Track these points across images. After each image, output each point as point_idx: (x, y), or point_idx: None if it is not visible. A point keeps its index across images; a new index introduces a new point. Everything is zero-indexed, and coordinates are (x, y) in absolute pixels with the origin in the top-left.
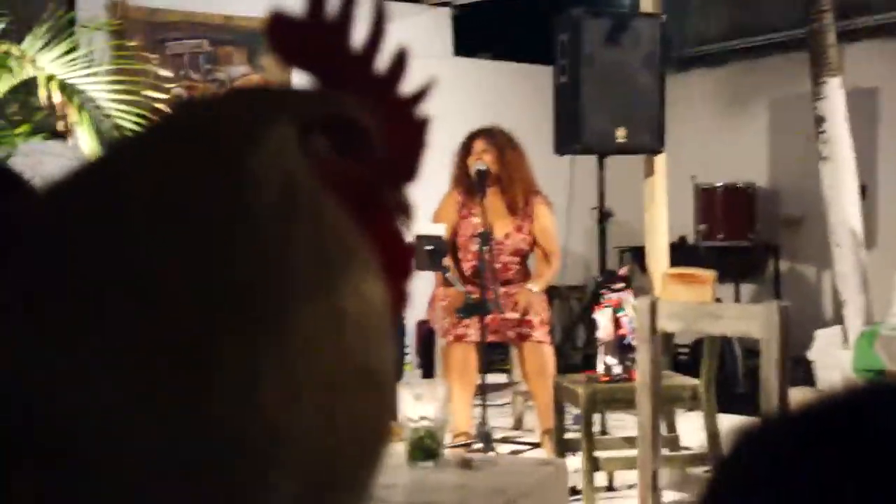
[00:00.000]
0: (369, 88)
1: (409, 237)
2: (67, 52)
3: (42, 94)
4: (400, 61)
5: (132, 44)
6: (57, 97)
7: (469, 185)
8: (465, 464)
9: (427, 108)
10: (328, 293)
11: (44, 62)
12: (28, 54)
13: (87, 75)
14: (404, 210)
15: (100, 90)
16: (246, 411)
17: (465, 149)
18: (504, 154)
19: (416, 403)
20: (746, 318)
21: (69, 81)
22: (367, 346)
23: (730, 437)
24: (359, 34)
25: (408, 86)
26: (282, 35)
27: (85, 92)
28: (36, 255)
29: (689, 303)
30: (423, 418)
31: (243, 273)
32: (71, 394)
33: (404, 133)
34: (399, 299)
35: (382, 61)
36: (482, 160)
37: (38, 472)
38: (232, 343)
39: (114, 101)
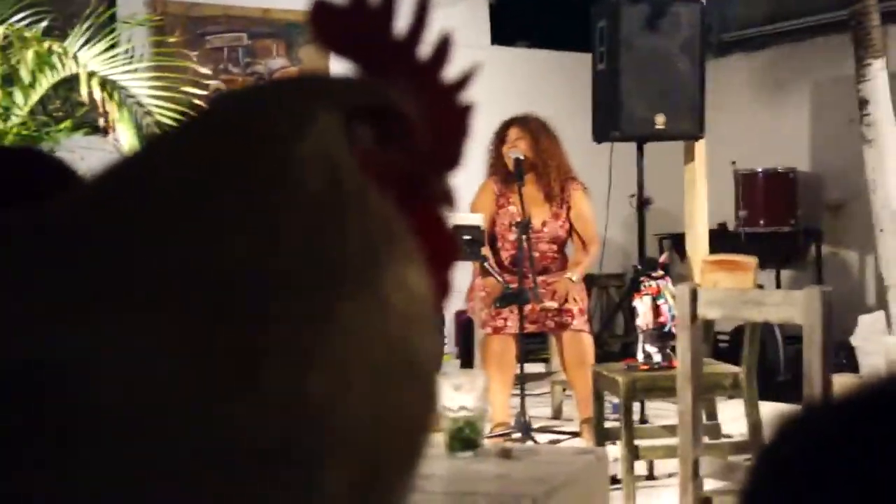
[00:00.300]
0: (412, 76)
1: (451, 226)
2: (108, 49)
3: (83, 90)
4: (443, 48)
5: (172, 39)
6: (98, 93)
7: (505, 174)
8: (505, 453)
9: (469, 94)
10: (374, 283)
11: (85, 59)
12: (70, 51)
13: (128, 72)
14: (447, 198)
15: (140, 86)
16: (294, 402)
17: (500, 137)
18: (539, 141)
19: (455, 394)
20: (788, 304)
21: (110, 78)
22: (412, 337)
23: (772, 425)
24: (402, 21)
25: (450, 73)
26: (324, 23)
27: (125, 88)
28: (83, 247)
29: (730, 289)
30: (462, 408)
31: (290, 262)
32: (115, 378)
33: (447, 120)
34: (442, 289)
35: (425, 48)
36: (517, 148)
37: (74, 447)
38: (280, 333)
39: (154, 97)
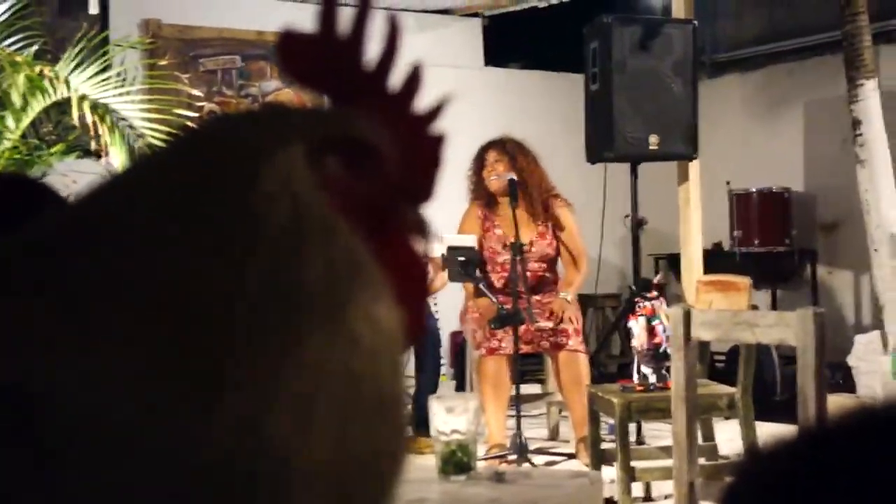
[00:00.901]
0: (383, 106)
1: (425, 257)
2: (100, 72)
3: (75, 114)
4: (414, 78)
5: (164, 62)
6: (90, 117)
7: (487, 197)
8: (498, 477)
9: (442, 124)
10: (339, 317)
11: (77, 82)
12: (62, 75)
13: (120, 94)
14: (420, 229)
15: (132, 109)
16: (254, 440)
17: (479, 162)
18: (516, 161)
19: (447, 416)
20: (782, 325)
21: (102, 101)
22: (378, 371)
23: (737, 468)
24: (372, 50)
25: (423, 102)
26: (293, 53)
27: (117, 111)
28: (51, 265)
29: (723, 311)
30: (454, 432)
31: (253, 296)
32: (77, 399)
33: (419, 151)
34: (415, 321)
35: (397, 78)
36: (496, 171)
37: (38, 473)
38: (241, 367)
39: (146, 119)
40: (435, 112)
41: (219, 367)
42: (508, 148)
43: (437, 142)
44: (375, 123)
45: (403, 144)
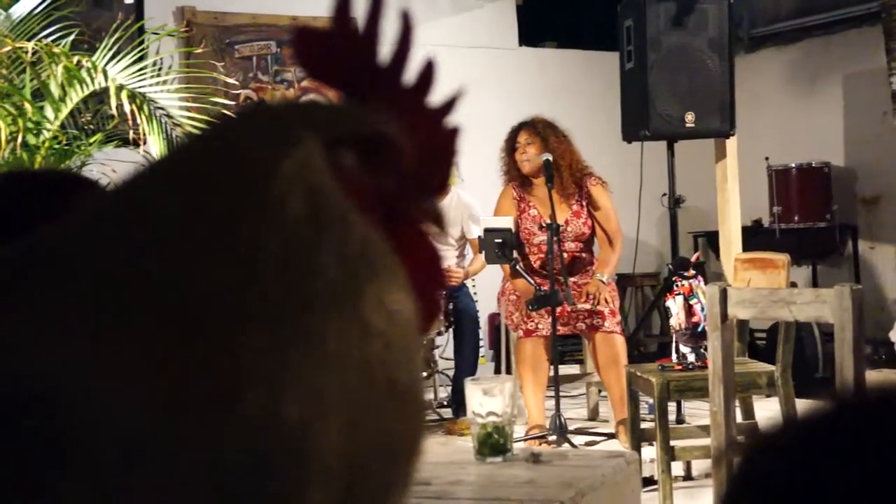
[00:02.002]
0: (397, 100)
1: (439, 249)
2: (136, 61)
3: (113, 103)
4: (428, 71)
5: (199, 51)
6: (127, 106)
7: (521, 178)
8: (534, 458)
9: (455, 118)
10: (353, 307)
11: (114, 72)
12: (99, 65)
13: (156, 83)
14: (435, 220)
15: (169, 98)
16: (271, 427)
17: (511, 144)
18: (548, 142)
19: (484, 398)
20: (818, 302)
21: (139, 91)
22: (393, 360)
23: (746, 445)
24: (387, 45)
25: (438, 94)
26: (308, 49)
27: (154, 100)
28: (64, 274)
29: (760, 289)
30: (490, 414)
31: (267, 287)
32: (93, 397)
33: (434, 144)
34: (430, 311)
35: (411, 72)
36: (527, 153)
37: (54, 474)
38: (256, 356)
39: (183, 108)
40: (450, 104)
41: (232, 360)
42: (539, 129)
43: (452, 134)
44: (390, 117)
45: (418, 137)
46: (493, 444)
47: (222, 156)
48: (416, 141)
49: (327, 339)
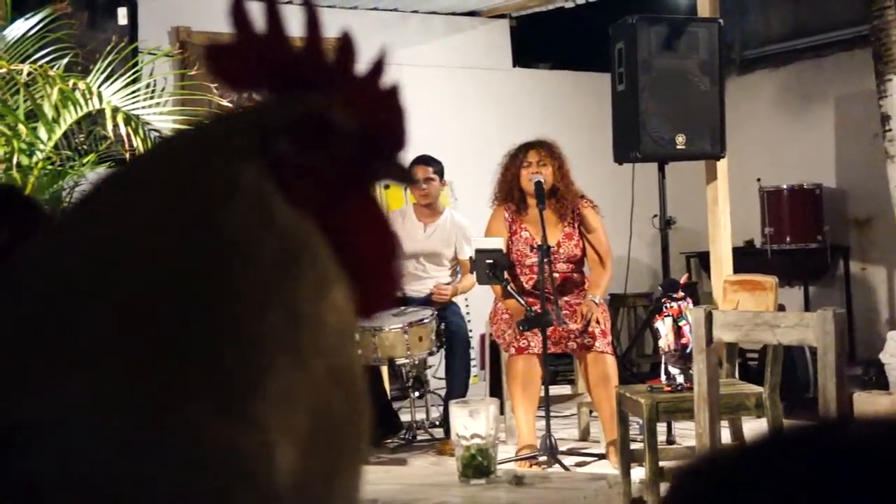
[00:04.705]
0: (325, 79)
1: (392, 222)
2: (130, 83)
3: (108, 125)
4: (344, 47)
5: (192, 73)
6: (122, 128)
7: (519, 197)
8: (517, 480)
9: (389, 76)
10: (286, 297)
11: (108, 94)
12: (93, 88)
13: (150, 105)
14: (400, 176)
15: (163, 120)
16: (229, 458)
17: (516, 161)
18: (562, 165)
19: (468, 420)
20: (802, 326)
21: (133, 113)
22: (337, 346)
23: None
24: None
25: (362, 66)
26: (221, 64)
27: (149, 122)
28: (26, 278)
29: (744, 312)
30: (475, 436)
31: (201, 280)
32: (57, 434)
33: (378, 106)
34: (387, 283)
35: (329, 55)
36: (540, 173)
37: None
38: (214, 393)
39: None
40: (378, 67)
41: (191, 397)
42: (554, 150)
43: (391, 93)
44: (321, 94)
45: (359, 105)
46: (477, 466)
47: (161, 171)
48: (357, 107)
49: (280, 376)
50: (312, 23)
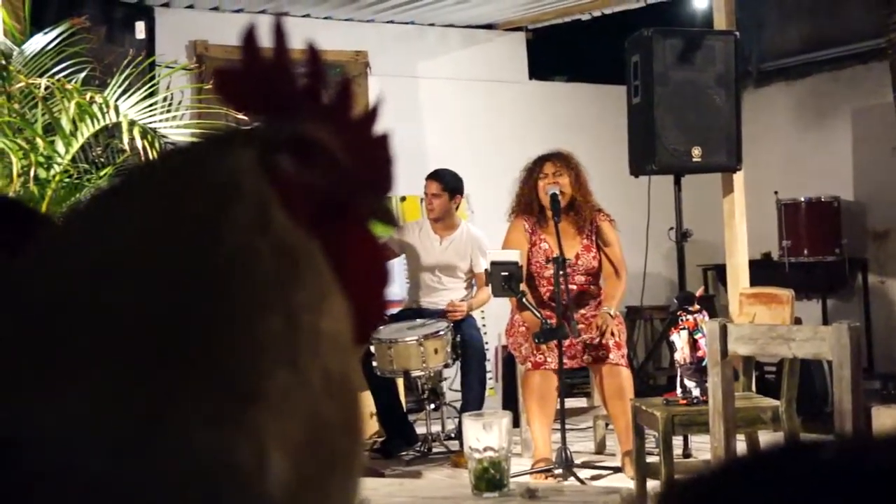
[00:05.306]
0: (321, 116)
1: (384, 245)
2: (147, 97)
3: (125, 138)
4: (344, 89)
5: (209, 86)
6: (138, 141)
7: (539, 209)
8: (530, 493)
9: (383, 123)
10: (282, 305)
11: (125, 108)
12: (110, 101)
13: (167, 119)
14: (384, 216)
15: (180, 133)
16: (223, 466)
17: (533, 173)
18: (580, 176)
19: (481, 433)
20: (817, 339)
21: (150, 126)
22: (324, 352)
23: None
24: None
25: (357, 110)
26: (229, 87)
27: (166, 136)
28: (24, 285)
29: (759, 325)
30: (487, 448)
31: (200, 286)
32: (52, 441)
33: (366, 148)
34: (376, 304)
35: (328, 90)
36: (557, 184)
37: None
38: (206, 397)
39: None
40: (373, 114)
41: (185, 405)
42: (571, 162)
43: (383, 138)
44: (318, 127)
45: (349, 143)
46: (490, 479)
47: (162, 179)
48: (349, 146)
49: (277, 387)
50: (314, 62)
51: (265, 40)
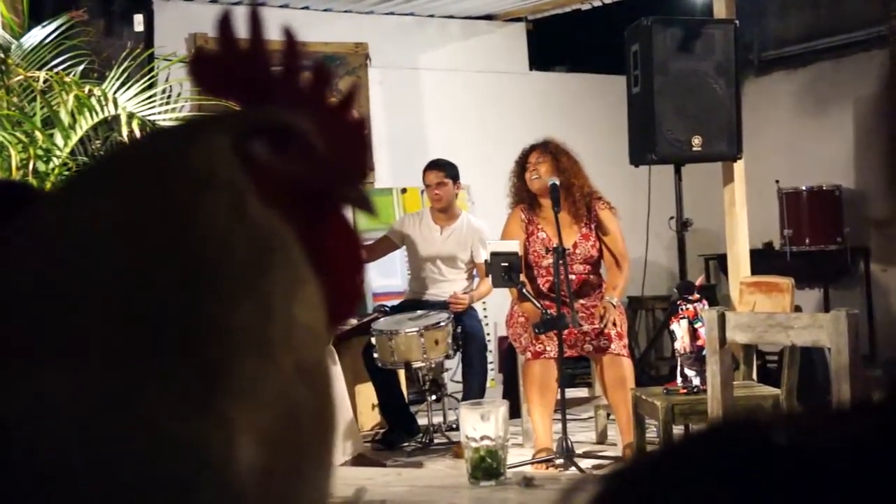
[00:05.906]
0: (297, 101)
1: (359, 233)
2: (146, 89)
3: (124, 131)
4: (321, 73)
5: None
6: (137, 133)
7: (531, 199)
8: (527, 482)
9: (357, 110)
10: (257, 291)
11: (123, 100)
12: (109, 94)
13: (166, 111)
14: (361, 203)
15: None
16: (195, 456)
17: (521, 165)
18: (560, 162)
19: (477, 422)
20: (815, 327)
21: (149, 118)
22: (296, 340)
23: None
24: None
25: (333, 95)
26: (204, 71)
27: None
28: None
29: (757, 313)
30: (484, 437)
31: (173, 272)
32: (36, 427)
33: (342, 135)
34: (352, 293)
35: (304, 78)
36: (538, 171)
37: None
38: (178, 386)
39: None
40: (349, 100)
41: (158, 393)
42: (551, 148)
43: (359, 125)
44: (295, 114)
45: (326, 130)
46: (487, 467)
47: (137, 164)
48: (325, 132)
49: (246, 373)
50: (291, 48)
51: (243, 28)
